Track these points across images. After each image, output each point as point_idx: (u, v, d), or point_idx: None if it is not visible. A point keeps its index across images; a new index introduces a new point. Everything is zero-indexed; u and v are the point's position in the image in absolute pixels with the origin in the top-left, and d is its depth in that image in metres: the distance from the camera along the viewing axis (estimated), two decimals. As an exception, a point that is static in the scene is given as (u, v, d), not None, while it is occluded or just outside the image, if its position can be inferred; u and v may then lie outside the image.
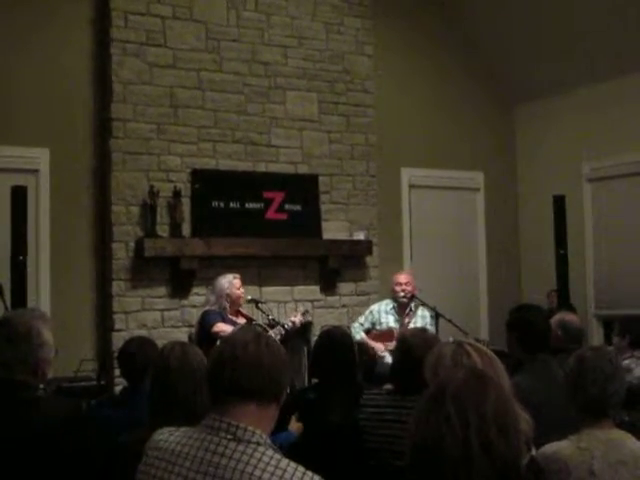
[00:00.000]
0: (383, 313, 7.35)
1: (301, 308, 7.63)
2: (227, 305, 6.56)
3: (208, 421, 2.13)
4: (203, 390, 2.23)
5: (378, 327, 7.30)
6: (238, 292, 6.67)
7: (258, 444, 2.05)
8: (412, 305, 7.33)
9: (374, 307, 7.50)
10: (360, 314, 7.70)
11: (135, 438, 3.00)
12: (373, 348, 7.16)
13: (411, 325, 7.17)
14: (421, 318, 7.30)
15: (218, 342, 2.18)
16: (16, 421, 2.76)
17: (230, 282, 6.64)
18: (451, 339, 6.68)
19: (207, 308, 6.62)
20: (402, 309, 7.32)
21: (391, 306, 7.36)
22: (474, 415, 1.85)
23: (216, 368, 2.16)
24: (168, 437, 2.20)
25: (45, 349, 2.93)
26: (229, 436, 2.07)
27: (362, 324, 7.38)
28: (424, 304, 7.30)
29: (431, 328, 7.06)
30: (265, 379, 2.12)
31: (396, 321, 7.27)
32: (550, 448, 2.80)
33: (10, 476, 2.69)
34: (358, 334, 7.10)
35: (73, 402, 3.18)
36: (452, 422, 1.83)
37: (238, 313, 6.71)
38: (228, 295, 6.58)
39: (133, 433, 3.11)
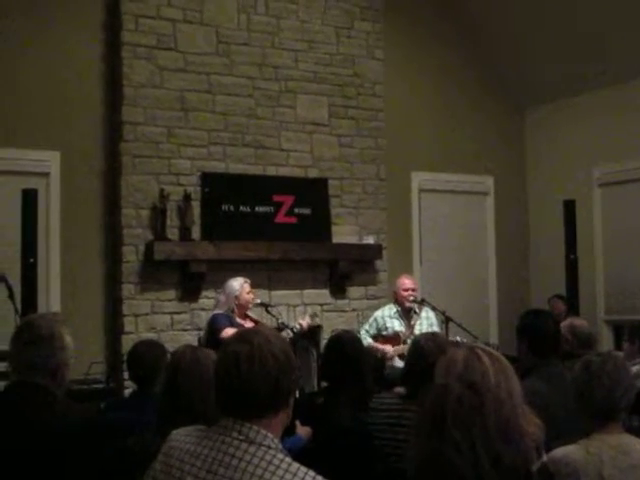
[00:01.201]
0: (387, 318, 7.34)
1: (309, 311, 7.64)
2: (235, 308, 6.59)
3: (222, 422, 2.13)
4: (213, 395, 2.21)
5: (384, 333, 7.28)
6: (247, 297, 6.70)
7: (269, 447, 2.05)
8: (416, 307, 7.32)
9: (377, 313, 7.48)
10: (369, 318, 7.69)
11: (144, 441, 3.01)
12: (382, 352, 7.14)
13: (417, 327, 7.17)
14: (426, 319, 7.30)
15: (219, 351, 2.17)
16: (34, 424, 2.77)
17: (241, 285, 6.67)
18: (458, 338, 6.72)
19: (216, 312, 6.64)
20: (406, 313, 7.31)
21: (394, 310, 7.35)
22: (477, 432, 1.85)
23: (220, 392, 2.16)
24: (185, 437, 2.20)
25: (66, 353, 2.95)
26: (241, 437, 2.07)
27: (368, 330, 7.37)
28: (434, 308, 7.29)
29: (437, 328, 7.08)
30: (272, 395, 2.11)
31: (401, 325, 7.26)
32: (559, 452, 2.79)
33: (27, 478, 2.70)
34: (365, 340, 7.05)
35: (87, 406, 3.19)
36: (458, 444, 1.82)
37: (246, 317, 6.74)
38: (237, 297, 6.61)
39: (142, 436, 3.11)
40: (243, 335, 2.23)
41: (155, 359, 4.23)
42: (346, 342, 4.61)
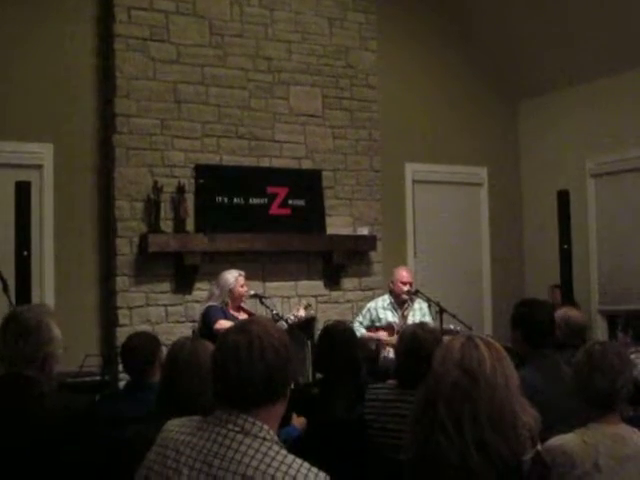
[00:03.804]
0: (381, 309, 7.36)
1: (303, 302, 7.64)
2: (229, 300, 6.60)
3: (218, 413, 2.13)
4: (210, 386, 2.21)
5: (377, 324, 7.30)
6: (241, 290, 6.71)
7: (264, 439, 2.06)
8: (409, 299, 7.34)
9: (371, 304, 7.50)
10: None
11: (139, 432, 3.01)
12: (375, 342, 7.16)
13: (410, 318, 7.19)
14: (419, 311, 7.33)
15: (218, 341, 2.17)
16: (23, 416, 2.77)
17: (235, 278, 6.68)
18: (451, 326, 6.76)
19: (210, 303, 6.65)
20: (399, 304, 7.33)
21: (388, 302, 7.37)
22: (467, 419, 1.85)
23: (218, 383, 2.15)
24: (180, 428, 2.20)
25: (54, 344, 2.94)
26: (237, 428, 2.07)
27: (361, 322, 7.39)
28: (429, 299, 7.30)
29: (429, 319, 7.10)
30: (270, 385, 2.11)
31: (394, 316, 7.28)
32: (555, 441, 2.80)
33: (17, 471, 2.70)
34: (359, 332, 7.05)
35: (79, 397, 3.18)
36: (447, 429, 1.83)
37: (240, 309, 6.75)
38: (231, 291, 6.63)
39: (137, 427, 3.11)
40: (242, 325, 2.23)
41: (149, 351, 4.24)
42: (338, 333, 4.62)
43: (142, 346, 4.31)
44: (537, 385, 3.59)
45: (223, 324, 6.15)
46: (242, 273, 6.79)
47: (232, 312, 6.59)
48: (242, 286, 6.73)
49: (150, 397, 3.33)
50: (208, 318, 6.44)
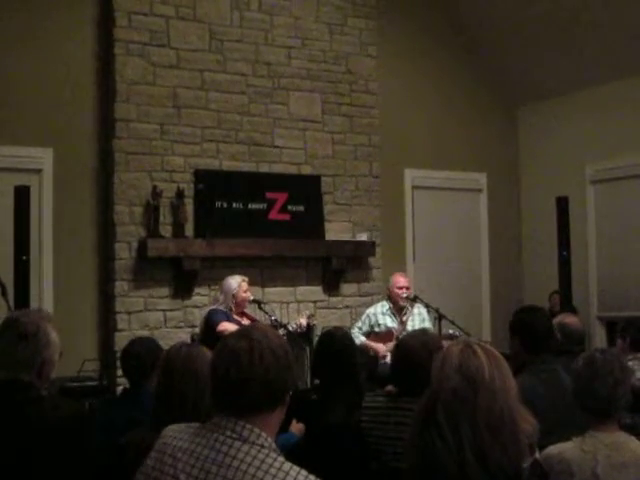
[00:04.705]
0: (380, 315, 7.34)
1: (306, 312, 7.64)
2: (233, 306, 6.60)
3: (216, 419, 2.13)
4: (207, 392, 2.21)
5: (377, 329, 7.30)
6: (244, 295, 6.70)
7: (262, 446, 2.05)
8: (408, 305, 7.33)
9: (370, 310, 7.49)
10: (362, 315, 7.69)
11: (136, 438, 3.00)
12: (374, 350, 7.15)
13: (409, 324, 7.18)
14: (418, 315, 7.31)
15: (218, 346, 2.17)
16: (20, 421, 2.76)
17: (239, 283, 6.68)
18: (450, 331, 6.73)
19: (214, 307, 6.65)
20: (398, 309, 7.32)
21: (387, 307, 7.36)
22: (465, 425, 1.85)
23: (217, 388, 2.15)
24: (178, 434, 2.19)
25: (51, 350, 2.93)
26: (234, 435, 2.06)
27: (360, 328, 7.38)
28: (427, 305, 7.30)
29: (429, 325, 7.10)
30: (269, 391, 2.11)
31: (394, 322, 7.27)
32: (554, 450, 2.80)
33: (14, 476, 2.69)
34: (358, 338, 7.02)
35: (75, 402, 3.17)
36: (445, 436, 1.83)
37: (243, 314, 6.75)
38: (234, 296, 6.62)
39: (134, 433, 3.10)
40: (243, 331, 2.23)
41: (151, 357, 4.22)
42: (336, 339, 4.61)
43: (144, 351, 4.29)
44: (535, 392, 3.59)
45: (226, 326, 6.15)
46: (245, 279, 6.78)
47: (236, 317, 6.58)
48: (245, 291, 6.72)
49: (148, 403, 3.33)
50: (211, 320, 6.43)
